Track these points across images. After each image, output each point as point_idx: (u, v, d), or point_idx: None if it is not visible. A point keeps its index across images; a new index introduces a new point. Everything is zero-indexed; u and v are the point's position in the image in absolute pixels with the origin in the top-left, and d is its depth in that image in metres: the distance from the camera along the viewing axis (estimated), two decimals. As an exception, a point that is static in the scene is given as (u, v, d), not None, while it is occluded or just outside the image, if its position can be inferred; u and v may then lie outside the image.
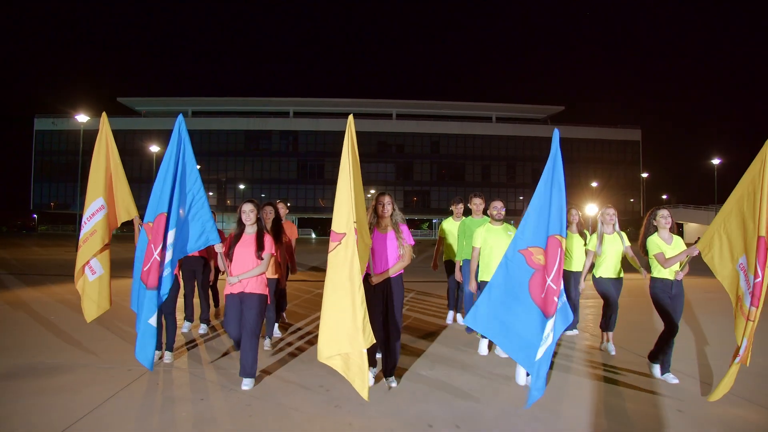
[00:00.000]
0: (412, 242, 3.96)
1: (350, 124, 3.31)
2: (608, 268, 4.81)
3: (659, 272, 4.01)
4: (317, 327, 6.27)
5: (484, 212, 5.46)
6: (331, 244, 3.26)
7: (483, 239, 4.72)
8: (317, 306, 7.60)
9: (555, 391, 3.71)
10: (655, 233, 4.11)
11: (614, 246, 4.79)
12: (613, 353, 4.80)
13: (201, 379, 3.87)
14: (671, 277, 3.96)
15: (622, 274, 4.86)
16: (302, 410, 3.25)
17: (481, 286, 4.70)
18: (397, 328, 3.85)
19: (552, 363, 4.20)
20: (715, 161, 38.19)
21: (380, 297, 3.78)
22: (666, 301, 3.96)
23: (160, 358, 4.35)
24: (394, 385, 3.77)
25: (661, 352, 4.00)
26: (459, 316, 6.21)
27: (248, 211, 3.91)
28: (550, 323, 3.09)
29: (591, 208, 4.78)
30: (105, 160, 4.46)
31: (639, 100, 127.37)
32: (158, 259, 3.70)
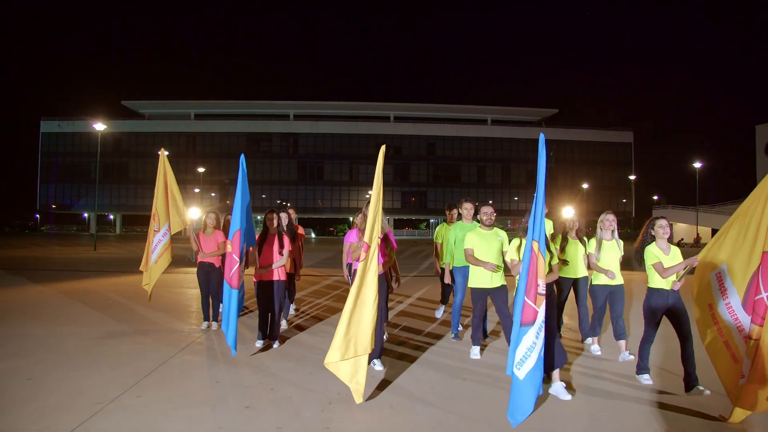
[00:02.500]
0: (396, 247, 4.75)
1: (381, 154, 3.74)
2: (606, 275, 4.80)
3: (656, 282, 3.96)
4: (320, 310, 7.84)
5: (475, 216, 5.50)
6: (362, 254, 3.68)
7: (473, 243, 4.76)
8: (320, 295, 9.16)
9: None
10: (653, 243, 4.04)
11: (612, 253, 4.77)
12: (631, 358, 4.64)
13: (244, 337, 5.43)
14: (668, 287, 3.90)
15: (621, 281, 4.83)
16: (316, 355, 4.82)
17: (472, 293, 4.81)
18: (382, 314, 4.33)
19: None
20: (697, 164, 39.84)
21: None
22: (658, 316, 3.96)
23: (209, 326, 5.91)
24: (378, 368, 4.23)
25: (644, 358, 4.06)
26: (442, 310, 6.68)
27: (272, 218, 5.33)
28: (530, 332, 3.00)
29: (567, 211, 5.24)
30: (164, 191, 5.98)
31: (631, 102, 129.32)
32: (241, 266, 4.58)
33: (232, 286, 4.51)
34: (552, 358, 3.63)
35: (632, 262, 4.52)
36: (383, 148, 3.74)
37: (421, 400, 3.60)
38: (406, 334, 5.82)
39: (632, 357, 4.64)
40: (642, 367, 4.11)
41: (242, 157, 5.11)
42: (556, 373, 3.74)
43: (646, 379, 4.06)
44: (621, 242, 4.89)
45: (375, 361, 4.35)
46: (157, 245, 5.77)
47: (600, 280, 4.82)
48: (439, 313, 6.70)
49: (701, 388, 3.76)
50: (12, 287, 9.31)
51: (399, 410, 3.42)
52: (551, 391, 3.71)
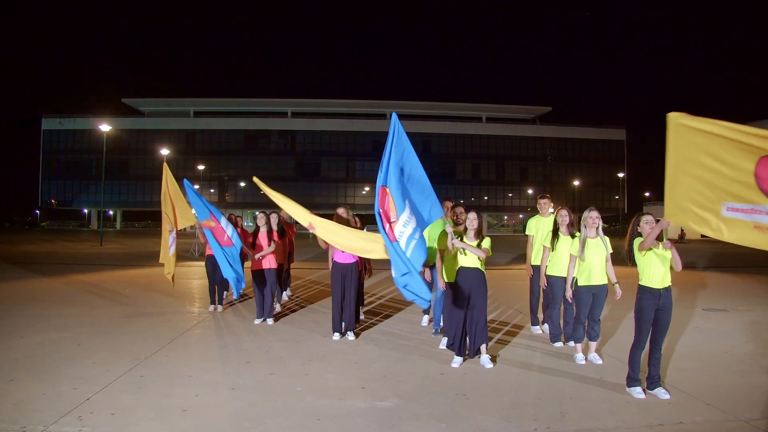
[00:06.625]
0: None
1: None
2: (591, 275, 4.58)
3: (647, 280, 3.78)
4: (309, 297, 8.97)
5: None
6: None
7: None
8: (311, 284, 10.31)
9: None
10: (639, 237, 3.89)
11: (597, 251, 4.56)
12: (600, 362, 4.61)
13: (244, 317, 6.58)
14: (659, 287, 3.74)
15: (605, 281, 4.63)
16: (302, 329, 5.97)
17: (450, 287, 4.88)
18: (358, 298, 5.98)
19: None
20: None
21: (340, 278, 5.53)
22: (649, 316, 3.77)
23: (215, 309, 7.06)
24: (351, 339, 5.39)
25: (635, 368, 3.81)
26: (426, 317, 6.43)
27: (260, 217, 6.60)
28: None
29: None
30: (170, 200, 7.13)
31: (625, 100, 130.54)
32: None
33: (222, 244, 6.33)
34: (475, 336, 4.52)
35: (612, 273, 4.59)
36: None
37: (379, 359, 4.76)
38: (376, 318, 6.98)
39: (601, 361, 4.63)
40: (633, 379, 3.84)
41: (186, 181, 6.69)
42: (483, 348, 4.57)
43: (638, 392, 3.76)
44: (607, 239, 4.64)
45: (349, 333, 5.50)
46: (173, 242, 6.98)
47: (585, 280, 4.61)
48: (424, 322, 6.41)
49: (663, 390, 3.73)
50: (38, 279, 10.47)
51: (361, 365, 4.58)
52: (481, 361, 4.54)
